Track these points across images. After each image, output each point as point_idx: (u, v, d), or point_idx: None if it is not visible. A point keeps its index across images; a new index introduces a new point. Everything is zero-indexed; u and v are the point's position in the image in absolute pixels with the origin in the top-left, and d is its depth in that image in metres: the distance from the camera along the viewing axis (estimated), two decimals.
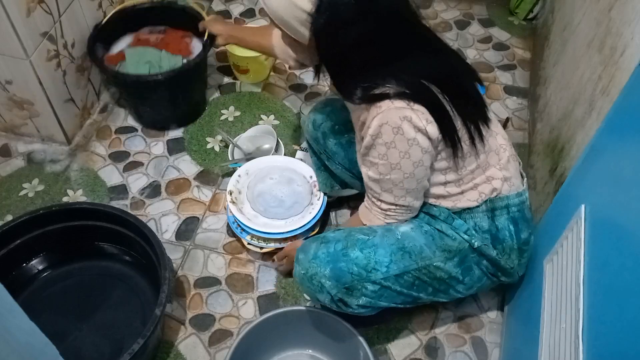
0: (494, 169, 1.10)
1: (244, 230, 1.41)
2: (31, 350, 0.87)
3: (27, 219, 1.31)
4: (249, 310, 1.39)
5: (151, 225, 1.51)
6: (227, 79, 1.87)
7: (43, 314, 1.28)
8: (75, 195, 1.59)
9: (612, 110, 0.95)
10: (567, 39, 1.48)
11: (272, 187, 1.48)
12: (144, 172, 1.65)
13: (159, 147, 1.70)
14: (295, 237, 1.40)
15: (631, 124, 0.84)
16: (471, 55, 1.96)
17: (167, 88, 1.61)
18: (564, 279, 0.93)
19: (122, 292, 1.36)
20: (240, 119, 1.76)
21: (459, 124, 1.02)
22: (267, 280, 1.43)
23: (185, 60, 1.65)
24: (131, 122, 1.77)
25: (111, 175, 1.63)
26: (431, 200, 1.13)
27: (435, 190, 1.11)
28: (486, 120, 1.08)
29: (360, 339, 1.17)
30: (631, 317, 0.69)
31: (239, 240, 1.47)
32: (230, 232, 1.51)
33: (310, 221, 1.39)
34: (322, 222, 1.49)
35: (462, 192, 1.10)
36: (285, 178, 1.49)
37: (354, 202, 1.55)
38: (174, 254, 1.47)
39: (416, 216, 1.15)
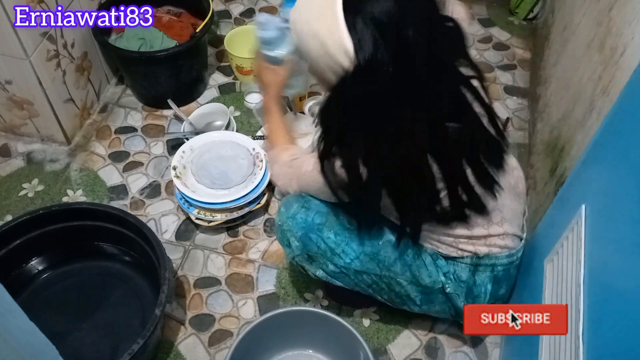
0: (493, 238, 1.08)
1: (191, 205, 1.44)
2: (31, 350, 0.87)
3: (27, 219, 1.31)
4: (249, 310, 1.39)
5: (151, 225, 1.51)
6: (227, 79, 1.87)
7: (43, 314, 1.28)
8: (75, 195, 1.59)
9: (612, 110, 0.95)
10: (567, 38, 1.48)
11: (216, 160, 1.50)
12: (143, 172, 1.64)
13: (158, 147, 1.70)
14: (240, 208, 1.44)
15: (631, 124, 0.84)
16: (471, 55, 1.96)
17: (146, 67, 1.69)
18: (565, 279, 0.92)
19: (122, 292, 1.36)
20: (240, 119, 1.75)
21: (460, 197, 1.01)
22: (267, 281, 1.43)
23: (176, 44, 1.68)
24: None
25: (111, 175, 1.63)
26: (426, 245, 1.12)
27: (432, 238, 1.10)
28: (485, 204, 1.04)
29: (360, 339, 1.17)
30: (631, 318, 0.69)
31: (188, 217, 1.50)
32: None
33: (253, 189, 1.42)
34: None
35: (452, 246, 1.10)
36: (229, 151, 1.52)
37: None
38: (174, 254, 1.47)
39: None
